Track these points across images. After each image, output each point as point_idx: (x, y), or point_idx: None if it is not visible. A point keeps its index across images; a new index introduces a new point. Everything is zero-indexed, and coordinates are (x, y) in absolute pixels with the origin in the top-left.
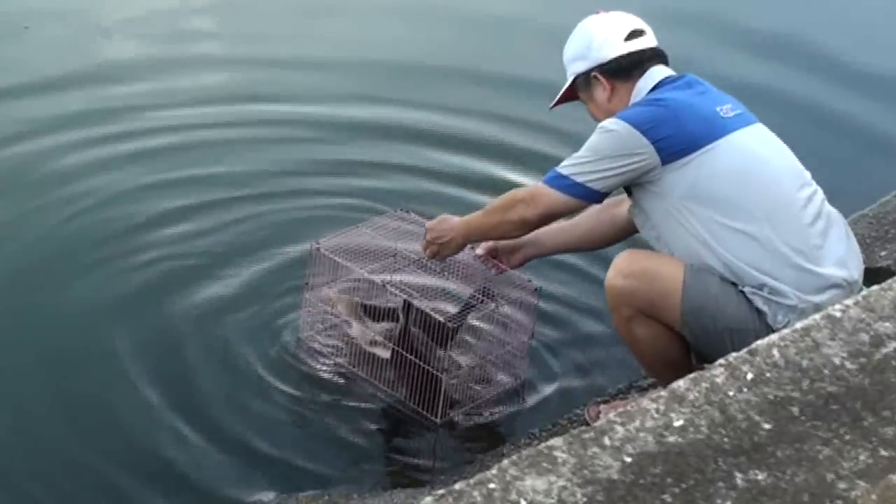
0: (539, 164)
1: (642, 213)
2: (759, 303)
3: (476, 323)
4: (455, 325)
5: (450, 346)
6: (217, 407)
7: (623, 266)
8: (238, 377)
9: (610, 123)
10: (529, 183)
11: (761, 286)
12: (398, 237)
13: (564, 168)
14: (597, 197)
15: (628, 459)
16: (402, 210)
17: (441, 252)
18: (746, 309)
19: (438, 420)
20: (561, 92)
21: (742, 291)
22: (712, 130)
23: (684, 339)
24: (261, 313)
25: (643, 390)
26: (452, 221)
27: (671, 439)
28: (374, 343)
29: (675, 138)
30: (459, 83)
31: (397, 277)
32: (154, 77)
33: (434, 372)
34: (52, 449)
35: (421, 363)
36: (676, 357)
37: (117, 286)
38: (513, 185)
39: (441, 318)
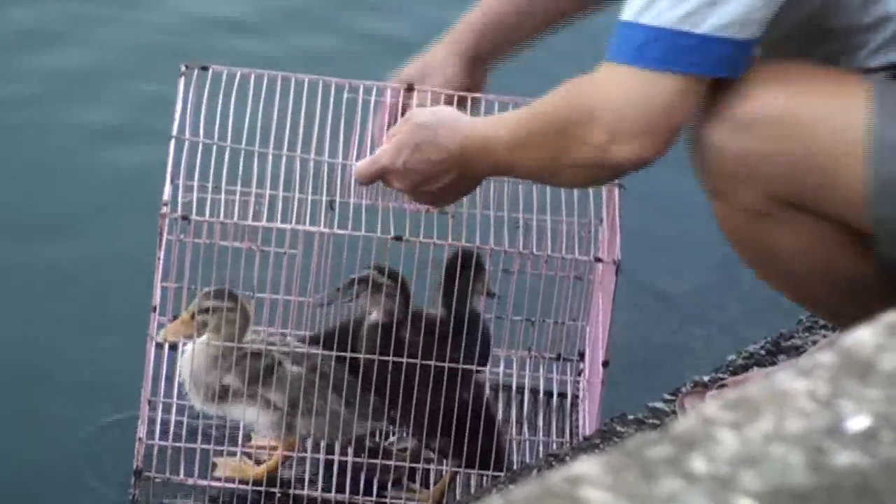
0: None
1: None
2: None
3: None
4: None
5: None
6: None
7: (741, 112)
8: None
9: None
10: None
11: None
12: None
13: (659, 12)
14: (751, 56)
15: None
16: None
17: (435, 201)
18: None
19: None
20: None
21: None
22: None
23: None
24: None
25: (798, 351)
26: (444, 139)
27: (842, 460)
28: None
29: None
30: None
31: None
32: None
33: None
34: None
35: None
36: (850, 273)
37: None
38: None
39: None
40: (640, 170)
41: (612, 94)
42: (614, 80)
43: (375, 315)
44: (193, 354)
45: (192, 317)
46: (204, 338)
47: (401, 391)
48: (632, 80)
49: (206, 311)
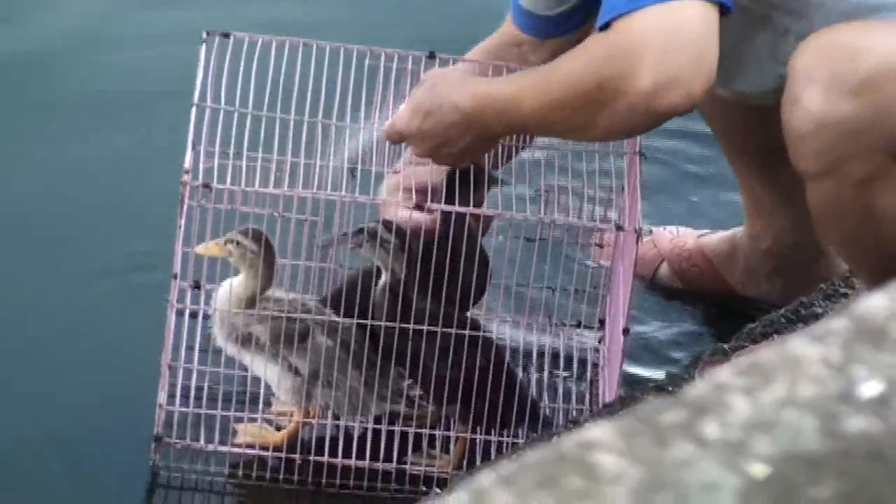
0: None
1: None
2: None
3: None
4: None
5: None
6: None
7: (844, 73)
8: None
9: None
10: None
11: None
12: None
13: None
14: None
15: (758, 471)
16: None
17: (456, 162)
18: None
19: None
20: None
21: None
22: None
23: None
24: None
25: (818, 319)
26: (456, 100)
27: (855, 426)
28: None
29: None
30: None
31: None
32: None
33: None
34: None
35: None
36: None
37: None
38: None
39: None
40: (685, 112)
41: (642, 38)
42: (637, 25)
43: (384, 277)
44: (225, 291)
45: (226, 243)
46: (240, 277)
47: (413, 358)
48: (651, 18)
49: (235, 242)
